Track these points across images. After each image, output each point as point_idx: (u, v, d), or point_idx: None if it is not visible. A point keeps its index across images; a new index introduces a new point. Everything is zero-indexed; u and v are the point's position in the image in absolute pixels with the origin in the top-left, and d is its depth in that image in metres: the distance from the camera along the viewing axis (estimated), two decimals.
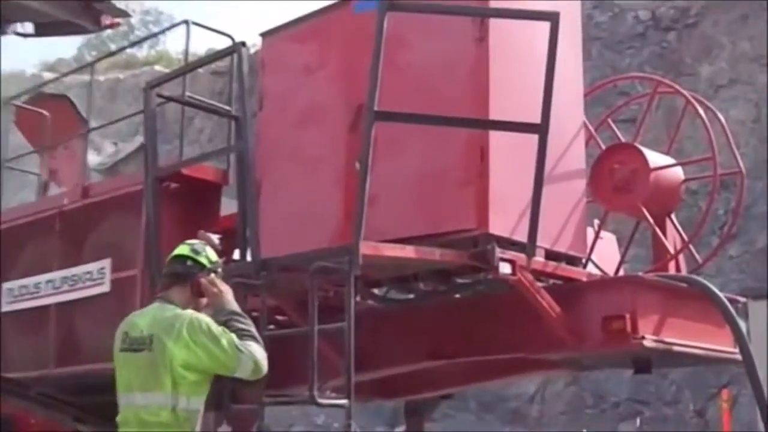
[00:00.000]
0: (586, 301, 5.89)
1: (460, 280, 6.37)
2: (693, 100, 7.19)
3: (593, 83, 8.32)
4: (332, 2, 6.59)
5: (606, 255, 7.29)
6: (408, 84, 5.86)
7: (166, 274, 4.66)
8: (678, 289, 6.06)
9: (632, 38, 17.02)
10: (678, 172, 7.17)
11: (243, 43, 6.17)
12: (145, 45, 31.81)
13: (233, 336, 4.38)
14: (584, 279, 6.11)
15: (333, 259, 5.25)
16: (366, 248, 5.16)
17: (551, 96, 5.19)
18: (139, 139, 19.91)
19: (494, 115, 5.56)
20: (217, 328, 4.39)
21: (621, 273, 7.13)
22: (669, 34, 16.75)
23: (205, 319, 4.43)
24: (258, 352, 4.40)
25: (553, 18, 5.25)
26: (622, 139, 7.50)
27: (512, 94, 5.71)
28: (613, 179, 6.95)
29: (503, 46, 5.75)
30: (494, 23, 5.67)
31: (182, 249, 4.67)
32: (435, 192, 5.75)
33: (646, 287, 5.88)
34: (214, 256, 4.69)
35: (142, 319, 4.54)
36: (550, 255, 5.89)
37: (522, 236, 5.48)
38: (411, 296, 6.65)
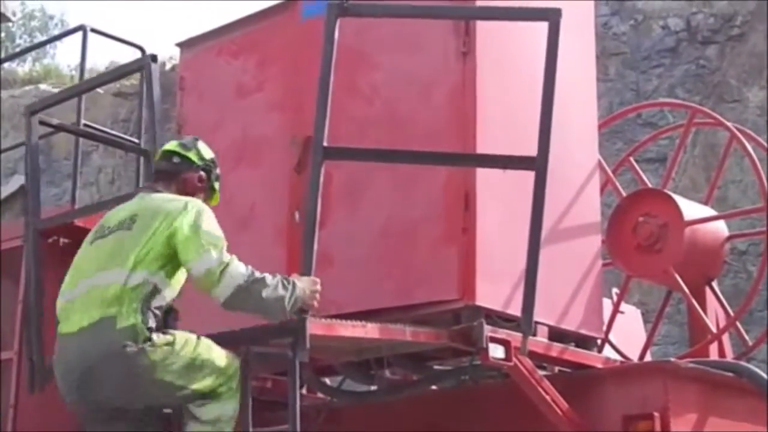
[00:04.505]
0: (601, 394, 5.90)
1: (437, 367, 6.36)
2: (739, 134, 7.28)
3: (611, 111, 8.40)
4: (274, 2, 6.62)
5: (628, 334, 7.31)
6: (372, 112, 5.89)
7: (153, 173, 5.28)
8: (721, 379, 6.08)
9: (661, 54, 17.22)
10: (721, 228, 7.23)
11: (154, 57, 6.19)
12: (28, 57, 31.77)
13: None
14: (599, 366, 6.12)
15: (272, 340, 5.21)
16: (315, 326, 5.13)
17: (550, 118, 5.17)
18: (18, 180, 19.82)
19: (483, 149, 5.59)
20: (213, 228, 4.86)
21: (648, 358, 7.14)
22: (708, 48, 16.97)
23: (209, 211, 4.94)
24: (235, 267, 4.80)
25: (552, 16, 5.20)
26: (649, 184, 7.56)
27: (508, 124, 5.75)
28: (637, 236, 6.99)
29: (494, 62, 5.80)
30: (482, 32, 5.72)
31: (170, 144, 5.23)
32: (405, 252, 5.75)
33: (680, 377, 5.89)
34: (208, 154, 5.21)
35: (123, 210, 5.00)
36: (556, 334, 5.90)
37: (518, 310, 5.47)
38: (373, 388, 6.62)
